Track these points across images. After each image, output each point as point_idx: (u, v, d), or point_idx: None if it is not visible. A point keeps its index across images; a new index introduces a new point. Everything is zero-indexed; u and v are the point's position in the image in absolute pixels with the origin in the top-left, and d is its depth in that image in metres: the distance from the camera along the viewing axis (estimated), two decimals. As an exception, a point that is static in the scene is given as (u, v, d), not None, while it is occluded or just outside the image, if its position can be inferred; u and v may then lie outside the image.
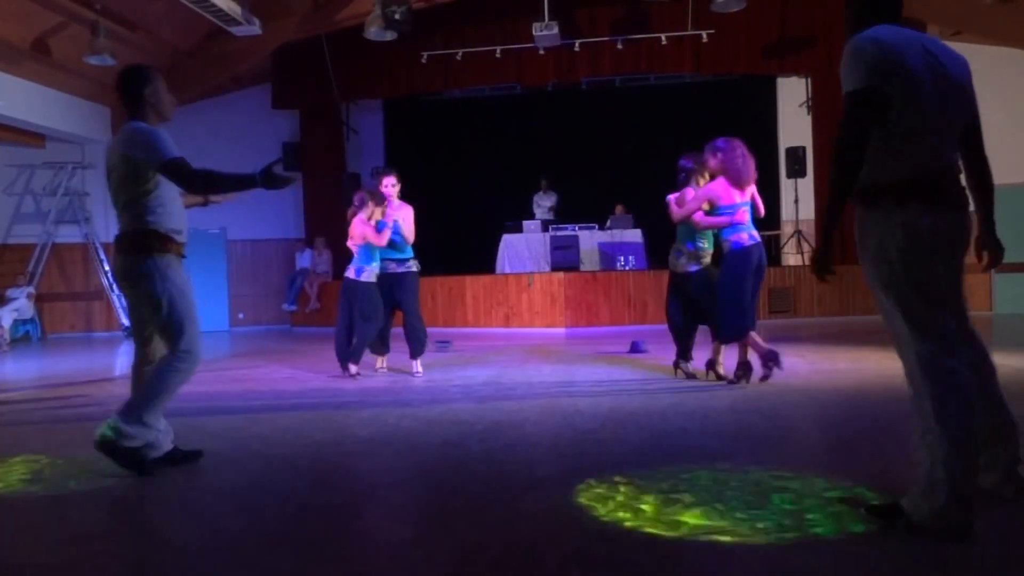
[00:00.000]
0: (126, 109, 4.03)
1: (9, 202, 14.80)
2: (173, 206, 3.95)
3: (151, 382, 3.86)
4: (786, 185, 14.74)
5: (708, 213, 6.14)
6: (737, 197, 6.10)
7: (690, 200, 6.22)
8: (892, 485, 3.32)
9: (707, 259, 6.43)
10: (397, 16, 11.58)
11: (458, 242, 15.36)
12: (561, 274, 12.44)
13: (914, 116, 2.76)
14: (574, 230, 13.69)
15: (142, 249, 3.83)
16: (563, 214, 14.78)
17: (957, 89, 2.86)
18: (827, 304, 13.08)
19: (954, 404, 2.65)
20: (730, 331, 6.04)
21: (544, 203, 15.02)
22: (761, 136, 15.07)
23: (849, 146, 2.80)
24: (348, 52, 14.24)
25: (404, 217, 7.32)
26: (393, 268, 7.36)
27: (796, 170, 14.26)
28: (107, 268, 14.76)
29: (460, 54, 14.02)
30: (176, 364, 3.85)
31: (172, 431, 4.09)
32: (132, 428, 3.79)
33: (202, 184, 3.98)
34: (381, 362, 7.77)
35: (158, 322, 3.87)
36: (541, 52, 13.76)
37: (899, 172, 2.78)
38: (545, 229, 13.77)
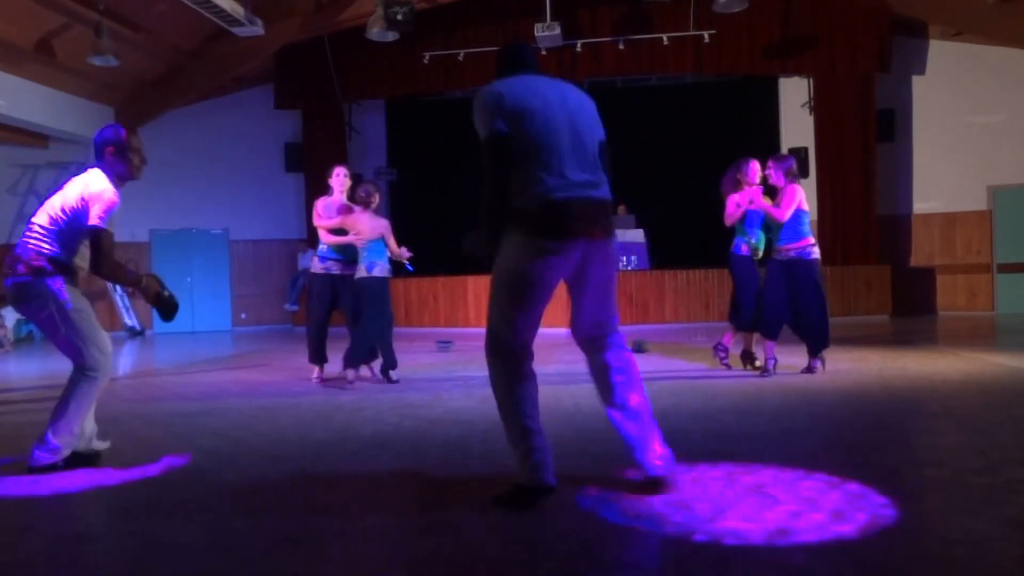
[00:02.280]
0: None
1: (12, 202, 14.82)
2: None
3: (72, 400, 3.97)
4: (789, 185, 14.74)
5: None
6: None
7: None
8: (893, 484, 3.32)
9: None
10: (399, 16, 11.59)
11: (460, 242, 15.35)
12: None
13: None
14: (576, 230, 13.68)
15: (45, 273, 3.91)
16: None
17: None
18: (828, 304, 13.03)
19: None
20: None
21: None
22: (763, 136, 15.08)
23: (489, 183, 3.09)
24: (350, 52, 14.25)
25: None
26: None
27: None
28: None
29: (462, 54, 14.03)
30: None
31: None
32: (60, 440, 3.96)
33: (108, 269, 4.01)
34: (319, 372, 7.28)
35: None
36: (543, 52, 13.73)
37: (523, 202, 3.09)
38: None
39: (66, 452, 3.99)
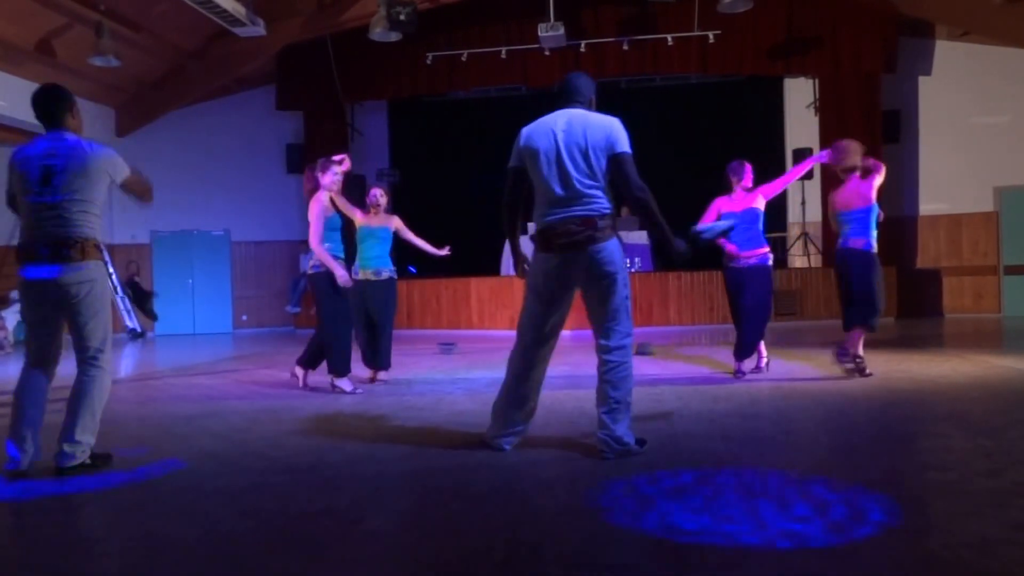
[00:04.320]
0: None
1: (13, 203, 14.77)
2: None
3: (93, 394, 3.96)
4: (793, 187, 14.63)
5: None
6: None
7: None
8: (898, 488, 3.29)
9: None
10: (402, 17, 11.54)
11: (463, 244, 15.27)
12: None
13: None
14: (579, 232, 13.60)
15: (95, 255, 3.94)
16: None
17: (574, 152, 3.87)
18: (833, 307, 12.93)
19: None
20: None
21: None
22: (768, 137, 15.02)
23: (503, 205, 4.14)
24: (352, 53, 14.20)
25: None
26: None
27: (803, 172, 14.15)
28: (111, 270, 14.70)
29: (465, 55, 13.97)
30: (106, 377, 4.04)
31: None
32: (86, 438, 3.97)
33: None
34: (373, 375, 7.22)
35: (95, 327, 3.96)
36: (547, 53, 13.70)
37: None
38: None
39: (88, 451, 3.98)
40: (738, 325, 6.84)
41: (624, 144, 3.88)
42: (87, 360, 3.96)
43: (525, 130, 4.02)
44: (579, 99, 4.07)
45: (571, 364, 8.22)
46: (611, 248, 3.87)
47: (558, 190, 3.87)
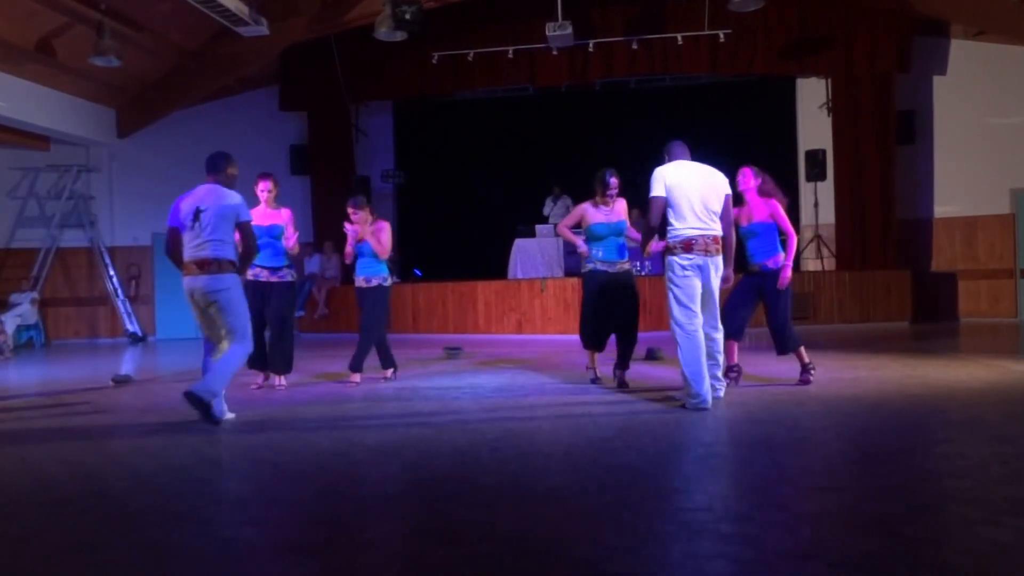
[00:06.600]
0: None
1: (13, 205, 14.66)
2: None
3: (227, 365, 5.40)
4: (805, 189, 14.46)
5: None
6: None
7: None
8: (914, 495, 3.24)
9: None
10: (407, 16, 11.38)
11: (469, 246, 15.12)
12: (574, 279, 12.18)
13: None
14: (587, 234, 13.43)
15: (229, 269, 5.48)
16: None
17: (708, 191, 5.49)
18: (847, 310, 12.78)
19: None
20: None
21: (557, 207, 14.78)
22: (780, 138, 14.82)
23: (647, 220, 5.67)
24: (357, 53, 14.05)
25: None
26: (265, 276, 7.01)
27: (815, 173, 14.00)
28: (112, 273, 14.58)
29: (471, 55, 13.78)
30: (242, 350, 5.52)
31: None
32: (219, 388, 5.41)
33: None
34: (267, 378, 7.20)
35: (235, 319, 5.44)
36: (554, 52, 13.53)
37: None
38: (558, 233, 13.49)
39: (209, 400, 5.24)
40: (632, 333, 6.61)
41: (729, 189, 5.63)
42: (233, 339, 5.44)
43: (665, 171, 5.51)
44: (687, 156, 5.66)
45: (578, 369, 8.04)
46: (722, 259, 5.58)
47: (700, 215, 5.41)
